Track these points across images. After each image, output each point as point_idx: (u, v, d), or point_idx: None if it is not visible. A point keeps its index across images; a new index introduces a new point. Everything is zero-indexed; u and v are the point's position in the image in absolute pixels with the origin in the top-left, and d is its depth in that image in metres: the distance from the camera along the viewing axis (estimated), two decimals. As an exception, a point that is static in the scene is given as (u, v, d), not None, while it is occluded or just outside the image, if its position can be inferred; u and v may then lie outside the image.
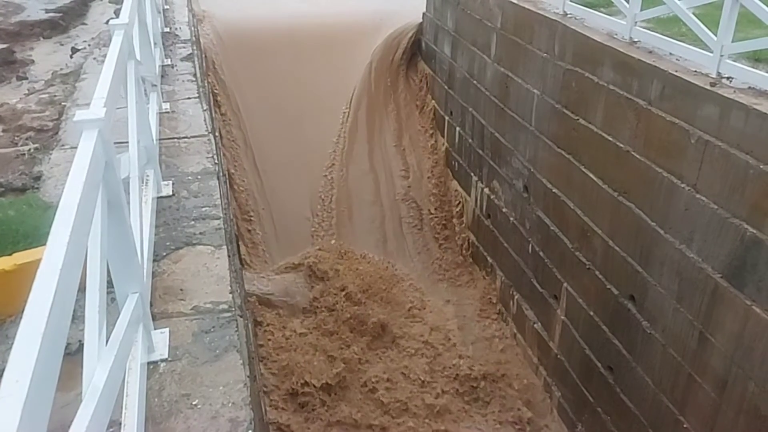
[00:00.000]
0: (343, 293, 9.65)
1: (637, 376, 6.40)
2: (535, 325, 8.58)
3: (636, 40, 6.46)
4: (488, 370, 8.73)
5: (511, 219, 9.13)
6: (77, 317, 2.15)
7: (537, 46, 7.95)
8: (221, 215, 4.37)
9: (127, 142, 3.63)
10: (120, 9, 4.62)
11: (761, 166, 4.74)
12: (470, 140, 10.45)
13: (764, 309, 4.81)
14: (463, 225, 11.00)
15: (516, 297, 9.15)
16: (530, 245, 8.58)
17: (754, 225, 4.85)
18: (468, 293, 10.32)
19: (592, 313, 7.17)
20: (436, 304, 9.99)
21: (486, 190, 10.00)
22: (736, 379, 5.13)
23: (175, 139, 5.52)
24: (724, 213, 5.12)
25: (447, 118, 11.44)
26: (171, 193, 4.61)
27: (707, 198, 5.29)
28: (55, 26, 8.96)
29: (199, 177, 4.87)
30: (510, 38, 8.67)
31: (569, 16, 7.52)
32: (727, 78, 5.37)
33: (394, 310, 9.71)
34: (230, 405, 2.78)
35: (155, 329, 3.16)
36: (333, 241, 10.62)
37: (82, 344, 2.08)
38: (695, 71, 5.60)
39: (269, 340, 8.86)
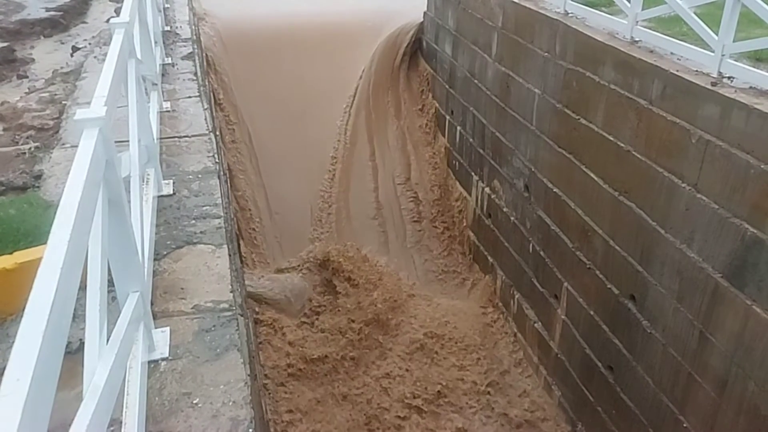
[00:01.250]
0: (372, 313, 9.19)
1: (638, 376, 6.40)
2: (536, 325, 8.58)
3: (637, 39, 6.46)
4: (525, 416, 8.29)
5: (512, 218, 9.13)
6: (78, 316, 2.15)
7: (538, 46, 7.95)
8: (222, 214, 4.37)
9: (128, 141, 3.63)
10: (120, 7, 4.63)
11: (762, 166, 4.74)
12: (471, 140, 10.45)
13: (764, 309, 4.80)
14: (464, 224, 10.99)
15: (516, 296, 9.15)
16: (531, 245, 8.58)
17: (755, 225, 4.85)
18: (469, 293, 10.32)
19: (592, 313, 7.17)
20: (457, 323, 9.56)
21: (487, 189, 10.00)
22: (736, 378, 5.13)
23: (176, 138, 5.52)
24: (724, 213, 5.12)
25: (448, 117, 11.44)
26: (172, 192, 4.61)
27: (708, 198, 5.29)
28: (56, 25, 8.96)
29: (199, 176, 4.88)
30: (511, 37, 8.67)
31: (570, 15, 7.52)
32: (729, 78, 5.36)
33: (425, 333, 9.23)
34: (231, 404, 2.78)
35: (156, 328, 3.16)
36: (349, 243, 10.43)
37: (83, 343, 2.08)
38: (696, 71, 5.60)
39: (275, 369, 8.29)
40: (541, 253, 8.29)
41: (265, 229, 10.62)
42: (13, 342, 1.43)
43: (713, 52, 5.47)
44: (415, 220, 11.29)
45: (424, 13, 12.26)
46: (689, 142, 5.43)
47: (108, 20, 6.20)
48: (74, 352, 2.61)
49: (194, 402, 2.78)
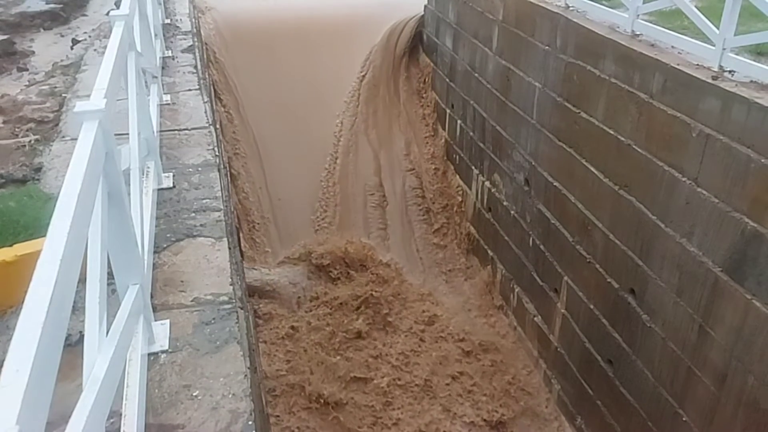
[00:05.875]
0: (372, 306, 9.19)
1: (637, 370, 6.41)
2: (536, 319, 8.59)
3: (638, 33, 6.44)
4: (524, 410, 8.22)
5: (512, 212, 9.13)
6: (78, 308, 2.16)
7: (539, 39, 7.93)
8: (222, 207, 4.37)
9: (128, 134, 3.63)
10: (120, 0, 4.61)
11: (762, 160, 4.73)
12: (471, 133, 10.43)
13: (764, 303, 4.81)
14: (464, 218, 11.00)
15: (516, 290, 9.16)
16: (531, 239, 8.58)
17: (755, 219, 4.84)
18: (468, 287, 10.32)
19: (592, 307, 7.18)
20: (457, 317, 9.53)
21: (487, 183, 9.99)
22: (736, 372, 5.14)
23: (176, 131, 5.52)
24: (724, 207, 5.12)
25: (448, 111, 11.42)
26: (171, 185, 4.61)
27: (708, 192, 5.28)
28: (56, 17, 8.95)
29: (199, 169, 4.87)
30: (512, 31, 8.65)
31: (571, 8, 7.49)
32: (729, 71, 5.35)
33: (424, 327, 9.25)
34: (231, 396, 2.79)
35: (156, 321, 3.16)
36: (351, 236, 10.40)
37: (83, 335, 2.08)
38: (697, 65, 5.58)
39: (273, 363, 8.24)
40: (541, 246, 8.29)
41: (265, 222, 10.62)
42: (13, 334, 1.43)
43: (714, 45, 5.45)
44: (416, 213, 11.28)
45: (425, 6, 12.23)
46: (690, 136, 5.43)
47: (108, 13, 6.19)
48: (74, 344, 2.61)
49: (194, 394, 2.79)
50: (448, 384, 8.49)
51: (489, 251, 10.10)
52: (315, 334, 8.91)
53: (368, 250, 10.23)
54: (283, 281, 9.49)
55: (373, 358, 8.76)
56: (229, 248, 3.94)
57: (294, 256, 10.05)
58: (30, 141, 5.42)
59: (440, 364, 8.76)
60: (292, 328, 8.94)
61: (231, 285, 3.55)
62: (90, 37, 8.26)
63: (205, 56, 9.85)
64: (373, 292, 9.52)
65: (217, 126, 6.58)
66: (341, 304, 9.36)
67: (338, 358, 8.61)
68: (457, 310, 9.66)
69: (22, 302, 1.52)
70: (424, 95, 12.36)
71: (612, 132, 6.53)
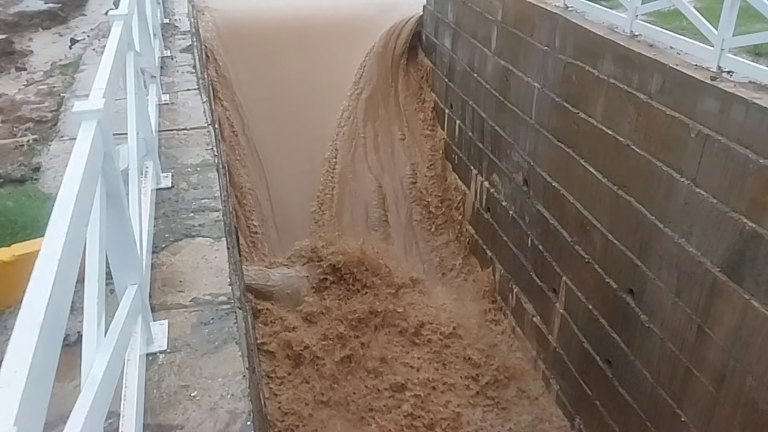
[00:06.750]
0: (370, 307, 8.97)
1: (636, 370, 6.41)
2: (534, 319, 8.60)
3: (637, 33, 6.44)
4: (523, 410, 8.13)
5: (511, 212, 9.13)
6: (76, 308, 2.15)
7: (538, 39, 7.93)
8: (220, 207, 4.36)
9: (126, 134, 3.62)
10: (119, 0, 4.61)
11: (761, 161, 4.74)
12: (470, 133, 10.44)
13: (762, 303, 4.81)
14: (463, 218, 10.99)
15: (515, 290, 9.16)
16: (530, 239, 8.58)
17: (753, 219, 4.85)
18: (468, 287, 10.31)
19: (590, 307, 7.18)
20: (456, 317, 9.34)
21: (486, 183, 9.99)
22: (734, 372, 5.14)
23: (175, 131, 5.51)
24: (723, 207, 5.12)
25: (447, 111, 11.42)
26: (170, 184, 4.60)
27: (707, 192, 5.29)
28: (55, 17, 8.93)
29: (198, 169, 4.86)
30: (511, 31, 8.65)
31: (570, 9, 7.49)
32: (728, 72, 5.36)
33: (423, 327, 9.09)
34: (229, 396, 2.78)
35: (154, 321, 3.16)
36: (349, 236, 10.27)
37: (81, 335, 2.08)
38: (696, 65, 5.59)
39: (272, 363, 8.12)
40: (540, 247, 8.29)
41: (264, 222, 10.60)
42: (11, 334, 1.43)
43: (713, 46, 5.46)
44: (414, 213, 11.27)
45: (424, 6, 12.23)
46: (688, 136, 5.43)
47: (107, 12, 6.17)
48: (72, 345, 2.61)
49: (192, 395, 2.78)
50: (471, 420, 8.12)
51: (488, 251, 10.10)
52: (327, 357, 8.56)
53: (366, 251, 10.08)
54: (281, 281, 9.37)
55: (393, 391, 8.34)
56: (228, 248, 3.94)
57: (293, 257, 9.96)
58: (28, 140, 5.41)
59: (463, 392, 8.45)
60: (300, 347, 8.54)
61: (230, 285, 3.55)
62: (89, 36, 8.25)
63: (203, 56, 9.84)
64: (372, 292, 9.42)
65: (216, 126, 6.58)
66: (340, 305, 9.26)
67: (352, 387, 8.29)
68: (456, 311, 9.57)
69: (20, 302, 1.51)
70: (422, 95, 12.32)
71: (611, 132, 6.53)
